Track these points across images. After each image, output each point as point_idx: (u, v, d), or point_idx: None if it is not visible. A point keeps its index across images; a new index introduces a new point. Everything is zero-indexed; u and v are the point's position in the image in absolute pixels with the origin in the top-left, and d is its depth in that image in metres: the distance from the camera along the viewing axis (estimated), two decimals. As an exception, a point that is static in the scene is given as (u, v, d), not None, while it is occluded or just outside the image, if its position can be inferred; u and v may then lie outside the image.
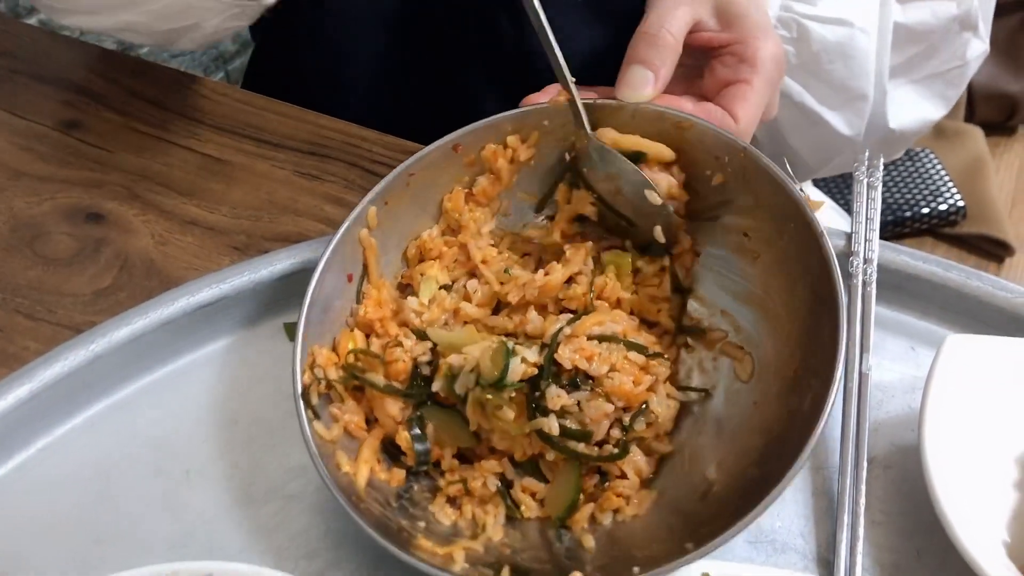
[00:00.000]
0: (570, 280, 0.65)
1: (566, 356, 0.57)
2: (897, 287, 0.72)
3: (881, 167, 0.78)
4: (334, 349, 0.61)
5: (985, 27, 0.84)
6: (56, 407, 0.63)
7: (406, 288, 0.66)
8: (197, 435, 0.64)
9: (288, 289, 0.70)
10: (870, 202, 0.75)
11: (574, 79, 0.63)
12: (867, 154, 0.79)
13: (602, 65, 0.75)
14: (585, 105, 0.64)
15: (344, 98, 0.87)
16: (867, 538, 0.60)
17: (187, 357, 0.67)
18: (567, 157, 0.66)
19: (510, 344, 0.58)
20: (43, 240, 0.75)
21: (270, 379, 0.67)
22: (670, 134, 0.64)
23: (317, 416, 0.58)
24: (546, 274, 0.63)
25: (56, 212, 0.77)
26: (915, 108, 0.86)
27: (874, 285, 0.70)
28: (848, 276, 0.70)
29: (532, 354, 0.57)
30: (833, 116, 0.80)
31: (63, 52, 0.83)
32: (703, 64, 0.69)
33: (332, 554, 0.58)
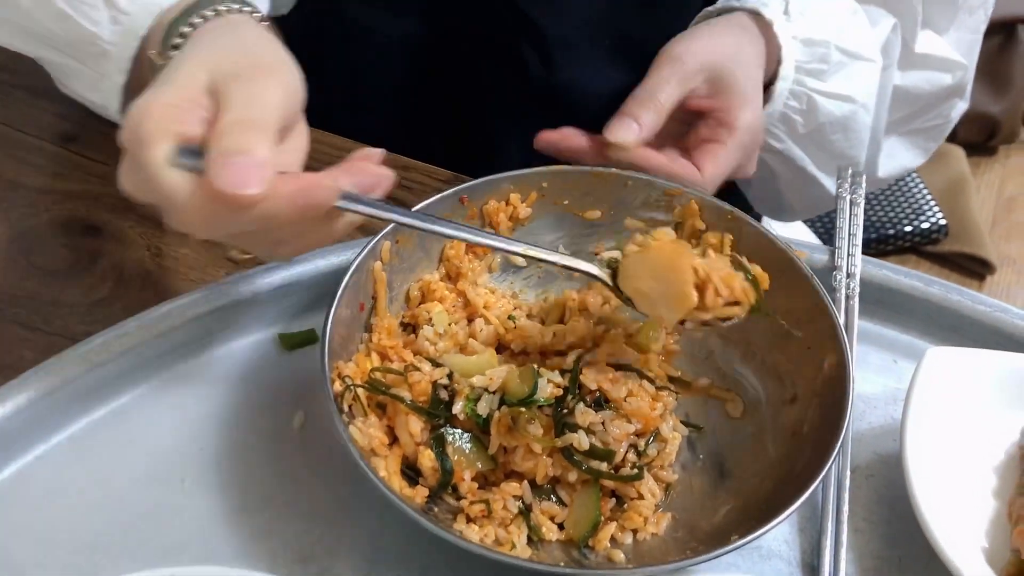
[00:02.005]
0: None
1: (591, 378, 0.60)
2: (879, 301, 0.74)
3: (863, 184, 0.80)
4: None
5: (969, 86, 0.91)
6: (54, 416, 0.64)
7: (407, 327, 0.67)
8: (192, 444, 0.64)
9: (283, 301, 0.71)
10: (853, 218, 0.77)
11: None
12: (850, 171, 0.81)
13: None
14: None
15: (362, 121, 0.87)
16: (850, 545, 0.62)
17: (183, 367, 0.68)
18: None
19: (535, 366, 0.60)
20: (40, 251, 0.76)
21: (265, 389, 0.67)
22: (664, 203, 0.70)
23: (351, 422, 0.59)
24: (554, 335, 0.66)
25: (53, 224, 0.78)
26: (899, 158, 0.94)
27: (857, 299, 0.72)
28: (831, 290, 0.72)
29: (555, 376, 0.60)
30: (827, 179, 0.87)
31: (60, 67, 0.84)
32: (692, 125, 0.76)
33: (326, 560, 0.59)
